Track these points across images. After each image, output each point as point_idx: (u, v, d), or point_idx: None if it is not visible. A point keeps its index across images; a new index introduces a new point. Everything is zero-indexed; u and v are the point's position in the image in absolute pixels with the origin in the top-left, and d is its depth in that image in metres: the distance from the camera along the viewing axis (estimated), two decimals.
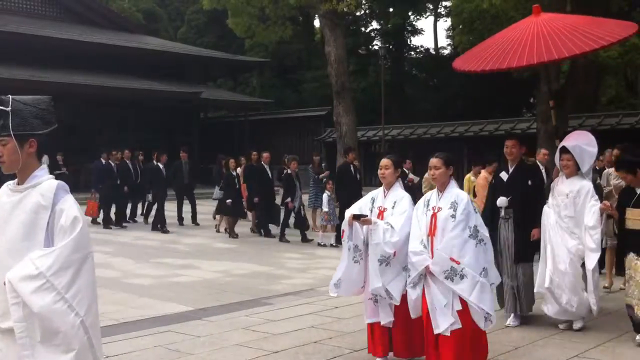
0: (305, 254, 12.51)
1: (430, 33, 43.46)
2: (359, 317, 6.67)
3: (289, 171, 14.29)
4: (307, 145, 30.70)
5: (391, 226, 5.29)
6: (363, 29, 41.04)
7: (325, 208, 13.74)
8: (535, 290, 6.89)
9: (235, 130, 33.87)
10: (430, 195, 5.31)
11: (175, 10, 47.35)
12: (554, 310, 6.69)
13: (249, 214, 15.87)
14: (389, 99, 30.94)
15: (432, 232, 5.11)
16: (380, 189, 5.62)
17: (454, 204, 5.09)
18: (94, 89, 26.44)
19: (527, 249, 6.90)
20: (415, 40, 41.78)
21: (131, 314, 7.57)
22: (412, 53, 42.44)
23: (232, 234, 14.83)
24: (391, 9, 38.74)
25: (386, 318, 5.40)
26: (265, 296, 8.62)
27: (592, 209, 6.51)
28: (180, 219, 16.84)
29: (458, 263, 4.91)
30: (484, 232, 5.09)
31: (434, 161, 5.23)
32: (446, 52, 42.11)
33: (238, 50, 38.73)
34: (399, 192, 5.54)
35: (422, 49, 42.56)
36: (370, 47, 41.80)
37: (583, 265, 6.52)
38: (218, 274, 10.34)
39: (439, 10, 40.89)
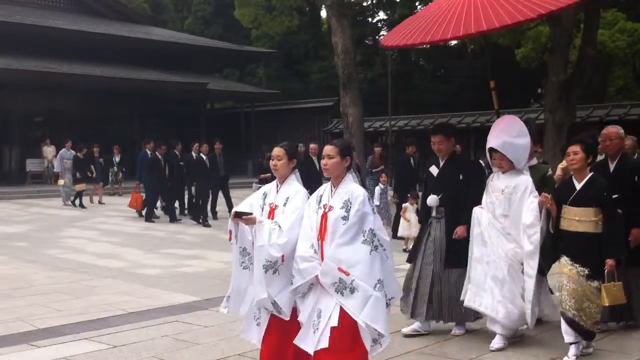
0: None
1: None
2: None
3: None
4: (313, 136, 30.69)
5: (279, 226, 4.41)
6: (370, 19, 40.89)
7: (376, 202, 12.69)
8: (465, 305, 5.95)
9: (242, 121, 33.88)
10: (324, 190, 4.49)
11: (182, 1, 47.26)
12: (492, 323, 5.86)
13: None
14: (396, 90, 30.86)
15: (322, 235, 4.33)
16: (274, 182, 4.75)
17: (347, 202, 4.30)
18: (100, 80, 26.47)
19: (459, 252, 6.05)
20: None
21: (139, 304, 7.60)
22: None
23: None
24: None
25: (257, 338, 4.60)
26: None
27: (530, 206, 5.68)
28: (215, 212, 16.10)
29: (347, 274, 4.16)
30: (383, 236, 4.32)
31: (327, 149, 4.45)
32: (453, 42, 42.00)
33: (244, 41, 38.67)
34: (293, 187, 4.63)
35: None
36: (377, 37, 41.67)
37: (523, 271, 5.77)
38: (225, 264, 10.36)
39: None
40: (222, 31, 41.41)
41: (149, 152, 16.40)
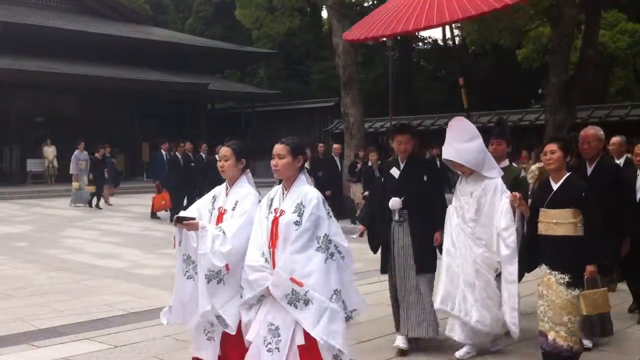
0: None
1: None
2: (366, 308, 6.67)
3: (369, 163, 13.75)
4: (314, 136, 30.70)
5: (223, 232, 4.07)
6: None
7: None
8: (436, 308, 5.62)
9: (243, 122, 33.89)
10: (275, 193, 4.14)
11: (183, 2, 47.30)
12: (463, 334, 5.51)
13: None
14: (397, 90, 30.88)
15: (273, 242, 3.97)
16: (224, 185, 4.42)
17: (299, 206, 3.95)
18: (101, 80, 26.47)
19: (427, 256, 5.75)
20: (423, 31, 41.58)
21: (139, 304, 7.61)
22: (420, 44, 42.32)
23: None
24: None
25: (212, 355, 4.25)
26: None
27: (503, 208, 5.35)
28: None
29: (301, 285, 3.80)
30: (341, 242, 3.96)
31: (277, 148, 4.10)
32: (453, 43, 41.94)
33: (245, 41, 38.69)
34: (243, 190, 4.30)
35: (430, 40, 42.43)
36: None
37: (499, 276, 5.42)
38: None
39: None
40: (223, 32, 41.44)
41: (164, 153, 16.22)
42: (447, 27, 7.25)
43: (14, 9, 28.28)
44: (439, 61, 39.59)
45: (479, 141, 5.54)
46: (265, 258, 3.95)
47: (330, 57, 29.57)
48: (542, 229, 5.08)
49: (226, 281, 4.06)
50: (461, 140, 5.56)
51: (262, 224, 4.03)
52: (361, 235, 6.16)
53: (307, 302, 3.80)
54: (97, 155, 19.22)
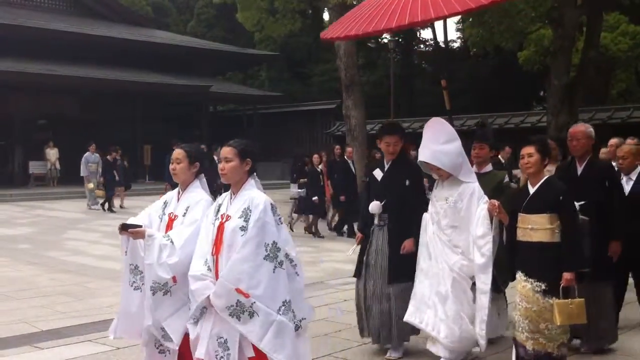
0: (313, 247, 12.56)
1: (440, 26, 43.33)
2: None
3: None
4: (316, 138, 30.72)
5: (171, 242, 3.88)
6: None
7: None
8: (405, 319, 5.32)
9: (245, 124, 33.89)
10: (223, 198, 3.96)
11: (185, 4, 47.37)
12: (438, 347, 5.25)
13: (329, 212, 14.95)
14: (398, 93, 30.93)
15: (217, 249, 3.77)
16: (176, 189, 4.25)
17: (246, 211, 3.74)
18: (103, 83, 26.50)
19: (403, 264, 5.45)
20: (425, 34, 41.60)
21: None
22: (422, 46, 42.37)
23: (317, 233, 14.19)
24: None
25: None
26: None
27: (480, 214, 5.07)
28: None
29: (247, 296, 3.59)
30: (290, 251, 3.80)
31: (224, 151, 3.91)
32: (456, 45, 42.03)
33: (247, 43, 38.73)
34: (195, 195, 4.11)
35: (432, 42, 42.48)
36: (379, 40, 41.68)
37: (475, 285, 5.14)
38: None
39: None
40: (225, 34, 41.49)
41: None
42: (438, 27, 7.11)
43: (16, 12, 28.33)
44: (440, 63, 39.61)
45: (457, 144, 5.28)
46: (208, 266, 3.75)
47: (331, 59, 29.58)
48: (519, 234, 4.90)
49: (173, 293, 3.87)
50: (438, 142, 5.27)
51: (208, 231, 3.84)
52: (359, 243, 5.93)
53: (252, 315, 3.60)
54: (108, 157, 19.08)
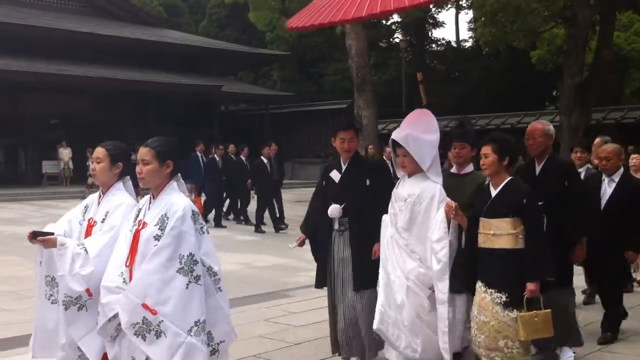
0: None
1: (452, 25, 43.21)
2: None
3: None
4: (327, 138, 30.71)
5: (85, 250, 3.52)
6: (384, 21, 40.90)
7: None
8: (374, 328, 4.82)
9: (256, 124, 33.94)
10: (144, 203, 3.63)
11: (197, 4, 47.52)
12: (396, 358, 4.83)
13: None
14: (410, 92, 30.85)
15: (131, 260, 3.43)
16: (98, 193, 3.92)
17: (163, 218, 3.40)
18: (116, 83, 26.62)
19: (368, 270, 4.98)
20: (437, 33, 41.68)
21: None
22: (434, 46, 42.30)
23: None
24: None
25: None
26: (285, 288, 8.68)
27: (438, 218, 4.61)
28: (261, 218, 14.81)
29: (154, 313, 3.24)
30: (211, 264, 3.48)
31: (141, 152, 3.61)
32: (468, 44, 41.94)
33: (259, 43, 38.79)
34: (116, 199, 3.76)
35: (444, 41, 42.41)
36: (391, 40, 41.67)
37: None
38: (239, 265, 10.39)
39: (460, 3, 40.64)
40: (237, 34, 41.59)
41: (199, 154, 15.85)
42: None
43: (28, 12, 28.50)
44: (453, 63, 39.52)
45: (435, 138, 4.84)
46: (124, 278, 3.40)
47: (343, 59, 29.60)
48: (481, 241, 4.46)
49: (89, 307, 3.50)
50: (415, 129, 4.86)
51: (126, 238, 3.50)
52: (300, 244, 5.47)
53: (159, 334, 3.23)
54: (133, 157, 18.73)
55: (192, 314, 3.29)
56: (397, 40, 39.05)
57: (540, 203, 4.73)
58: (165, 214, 3.39)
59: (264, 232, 14.49)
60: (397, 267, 4.72)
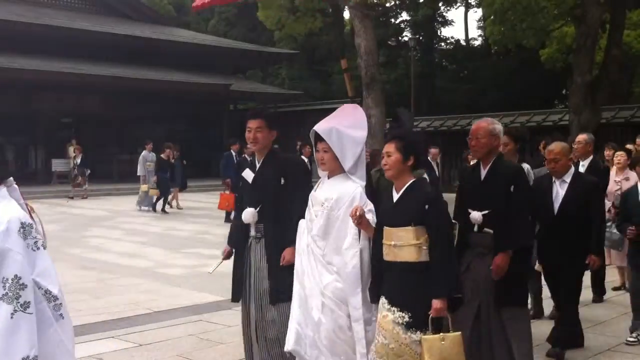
0: None
1: (461, 24, 43.15)
2: None
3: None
4: None
5: None
6: (393, 20, 40.88)
7: None
8: (289, 349, 4.26)
9: None
10: None
11: None
12: None
13: None
14: (419, 91, 30.86)
15: None
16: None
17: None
18: (126, 81, 26.72)
19: (285, 280, 4.40)
20: (446, 31, 41.68)
21: (164, 303, 7.69)
22: (443, 44, 42.24)
23: None
24: (421, 0, 38.55)
25: None
26: None
27: (351, 224, 4.06)
28: None
29: None
30: (49, 286, 2.94)
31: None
32: (477, 43, 41.86)
33: (268, 42, 38.82)
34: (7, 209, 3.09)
35: (453, 40, 42.34)
36: (400, 38, 41.63)
37: None
38: None
39: (469, 1, 40.58)
40: (246, 32, 41.62)
41: (233, 153, 15.87)
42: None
43: (40, 11, 28.64)
44: (462, 61, 39.44)
45: (362, 135, 4.29)
46: None
47: (352, 57, 29.59)
48: (385, 252, 3.93)
49: None
50: (340, 123, 4.29)
51: None
52: (225, 258, 4.92)
53: None
54: (162, 156, 18.10)
55: (18, 350, 2.73)
56: (406, 38, 39.01)
57: (485, 212, 4.52)
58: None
59: None
60: (313, 281, 4.20)
